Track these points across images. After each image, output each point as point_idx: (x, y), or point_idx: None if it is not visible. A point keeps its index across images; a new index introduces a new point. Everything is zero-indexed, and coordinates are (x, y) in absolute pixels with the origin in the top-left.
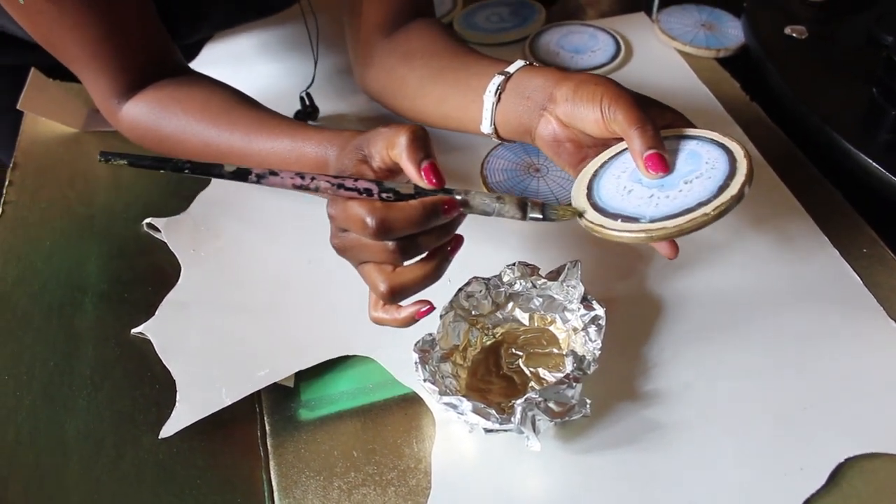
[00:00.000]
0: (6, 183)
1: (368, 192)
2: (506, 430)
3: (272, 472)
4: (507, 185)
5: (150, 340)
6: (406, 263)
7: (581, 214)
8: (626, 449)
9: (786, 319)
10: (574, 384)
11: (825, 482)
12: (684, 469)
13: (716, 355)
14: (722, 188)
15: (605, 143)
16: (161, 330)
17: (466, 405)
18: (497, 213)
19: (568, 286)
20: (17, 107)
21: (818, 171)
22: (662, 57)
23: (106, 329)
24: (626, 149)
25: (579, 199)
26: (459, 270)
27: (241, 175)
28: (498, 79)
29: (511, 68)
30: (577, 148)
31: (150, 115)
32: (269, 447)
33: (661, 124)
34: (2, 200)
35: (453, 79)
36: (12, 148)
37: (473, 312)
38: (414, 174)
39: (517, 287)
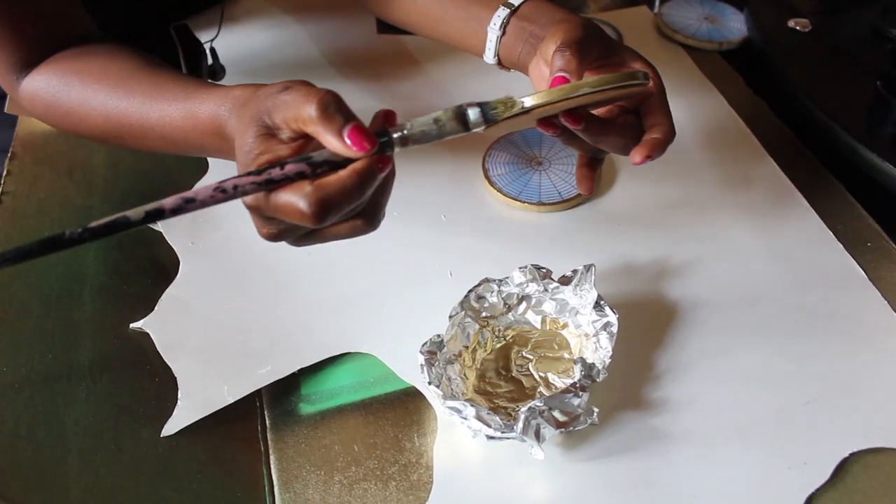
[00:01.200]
0: (4, 173)
1: (301, 174)
2: (508, 438)
3: (272, 467)
4: (509, 179)
5: (149, 334)
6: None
7: (515, 104)
8: (630, 453)
9: (790, 314)
10: (581, 393)
11: (829, 477)
12: (689, 462)
13: (721, 352)
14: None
15: None
16: (161, 325)
17: (470, 411)
18: (439, 135)
19: (581, 291)
20: (5, 110)
21: (822, 165)
22: (665, 51)
23: (105, 321)
24: None
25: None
26: (470, 271)
27: (153, 216)
28: (503, 12)
29: (516, 0)
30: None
31: (48, 90)
32: (269, 441)
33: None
34: (0, 192)
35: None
36: (10, 139)
37: (484, 314)
38: (339, 147)
39: (529, 290)
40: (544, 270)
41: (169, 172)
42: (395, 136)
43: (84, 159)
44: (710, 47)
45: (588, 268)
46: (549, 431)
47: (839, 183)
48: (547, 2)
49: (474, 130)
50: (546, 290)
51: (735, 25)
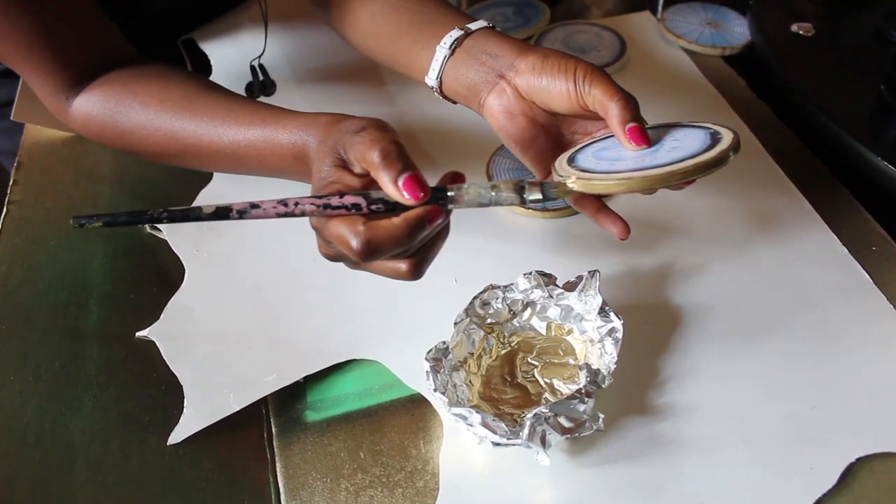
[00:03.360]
0: (10, 183)
1: (357, 206)
2: (514, 445)
3: (279, 474)
4: None
5: (154, 342)
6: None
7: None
8: (636, 459)
9: (795, 319)
10: (586, 399)
11: (836, 482)
12: (695, 468)
13: (727, 357)
14: (707, 150)
15: (560, 122)
16: (166, 334)
17: (475, 417)
18: (494, 203)
19: (586, 297)
20: (11, 118)
21: (826, 169)
22: (668, 56)
23: (111, 329)
24: (602, 138)
25: (565, 169)
26: (474, 278)
27: (222, 214)
28: (457, 33)
29: (473, 25)
30: (529, 123)
31: (104, 110)
32: (275, 449)
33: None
34: (6, 200)
35: (408, 21)
36: (16, 148)
37: (489, 320)
38: (393, 192)
39: (534, 296)
40: (549, 276)
41: (174, 182)
42: (450, 193)
43: (90, 168)
44: (713, 52)
45: (593, 273)
46: (554, 437)
47: (843, 187)
48: (502, 33)
49: (529, 206)
50: (551, 296)
51: (738, 30)
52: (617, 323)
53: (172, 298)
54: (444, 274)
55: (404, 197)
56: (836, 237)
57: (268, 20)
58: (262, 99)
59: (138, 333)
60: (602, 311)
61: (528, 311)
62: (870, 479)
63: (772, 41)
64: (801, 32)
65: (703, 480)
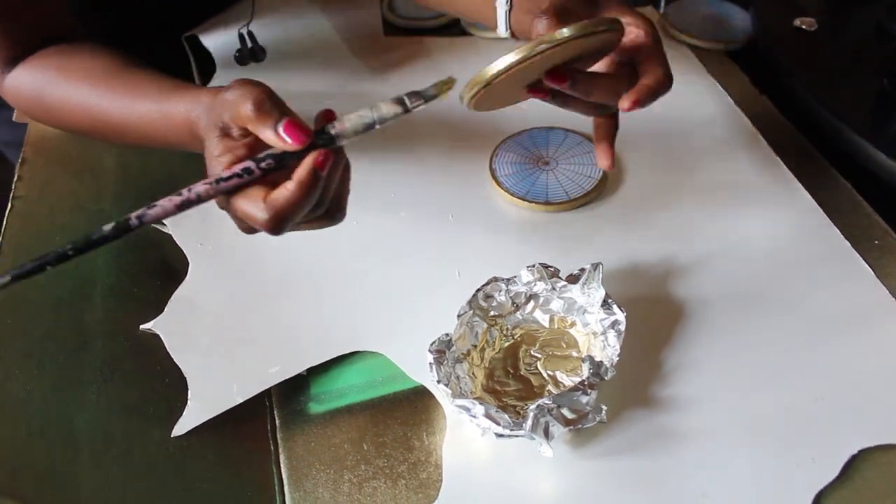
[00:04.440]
0: (15, 178)
1: (248, 171)
2: (517, 436)
3: (282, 466)
4: (516, 179)
5: (159, 335)
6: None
7: (453, 81)
8: (638, 450)
9: (798, 312)
10: (589, 391)
11: (838, 474)
12: (697, 459)
13: (729, 350)
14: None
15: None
16: (171, 327)
17: (479, 409)
18: (379, 121)
19: (589, 289)
20: (13, 119)
21: (828, 164)
22: (671, 50)
23: (115, 323)
24: None
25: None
26: (477, 270)
27: (122, 228)
28: None
29: None
30: None
31: (33, 85)
32: (279, 440)
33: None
34: (11, 195)
35: None
36: (20, 139)
37: (492, 313)
38: (275, 141)
39: (537, 289)
40: (552, 269)
41: (178, 175)
42: (332, 130)
43: (94, 163)
44: (715, 47)
45: (595, 266)
46: (557, 429)
47: (846, 181)
48: None
49: (413, 108)
50: (554, 288)
51: (741, 25)
52: (620, 315)
53: (176, 291)
54: (448, 267)
55: (287, 143)
56: (838, 231)
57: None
58: (252, 66)
59: (142, 326)
60: (605, 304)
61: (532, 303)
62: (872, 470)
63: (774, 36)
64: (803, 27)
65: (705, 472)
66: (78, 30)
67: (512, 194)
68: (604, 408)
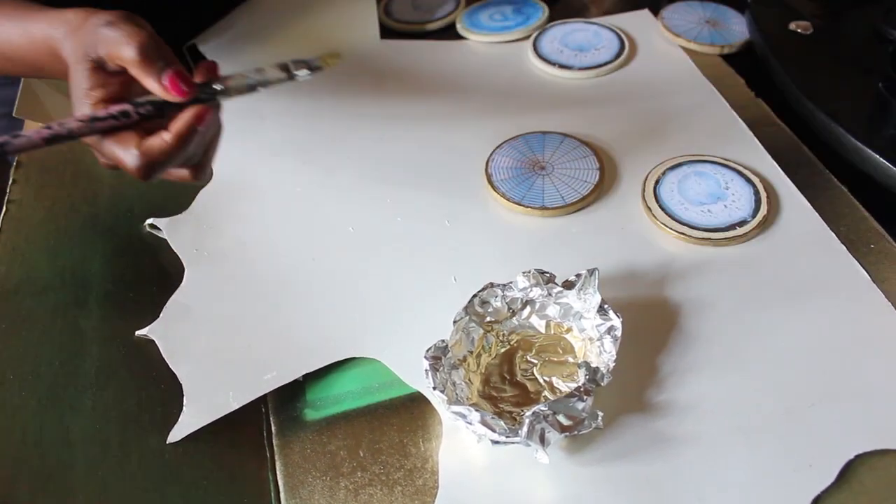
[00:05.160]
0: (10, 182)
1: (125, 114)
2: (513, 443)
3: (278, 473)
4: (512, 183)
5: (154, 341)
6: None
7: (339, 55)
8: (634, 456)
9: (793, 316)
10: (585, 397)
11: (835, 479)
12: (694, 464)
13: (725, 354)
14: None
15: None
16: (166, 332)
17: (474, 415)
18: (261, 84)
19: (585, 295)
20: (14, 114)
21: (824, 167)
22: (666, 54)
23: (111, 329)
24: None
25: None
26: (473, 276)
27: None
28: None
29: None
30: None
31: None
32: (274, 447)
33: None
34: (6, 199)
35: None
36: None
37: (488, 318)
38: (158, 90)
39: (533, 294)
40: (548, 275)
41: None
42: (217, 86)
43: (89, 167)
44: (711, 51)
45: (592, 272)
46: (553, 436)
47: (841, 185)
48: None
49: (297, 77)
50: (550, 294)
51: (736, 28)
52: (616, 321)
53: (172, 297)
54: (444, 272)
55: (171, 94)
56: (833, 235)
57: None
58: None
59: (138, 332)
60: (601, 310)
61: (528, 309)
62: (869, 475)
63: (770, 39)
64: (799, 30)
65: (701, 477)
66: None
67: (508, 199)
68: (600, 414)
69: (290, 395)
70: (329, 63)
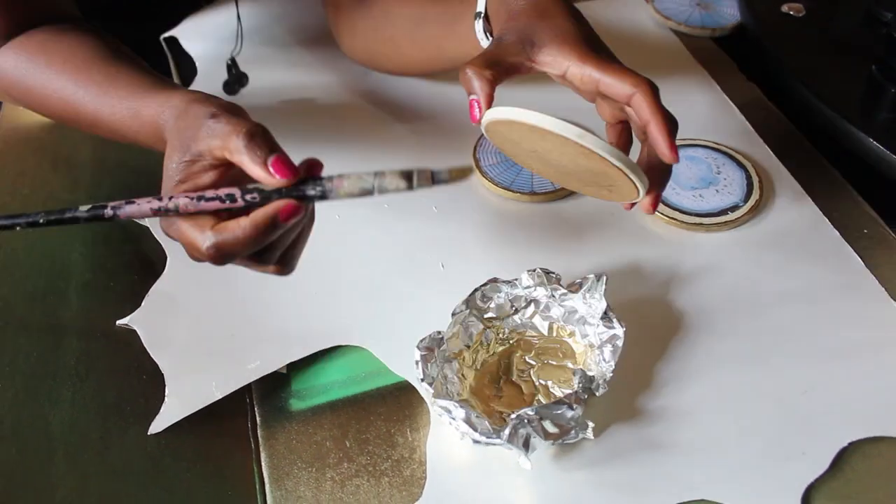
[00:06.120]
0: None
1: (231, 197)
2: (494, 445)
3: (263, 464)
4: (500, 169)
5: (135, 331)
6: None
7: (471, 170)
8: (625, 457)
9: (786, 302)
10: (575, 406)
11: (828, 467)
12: (686, 453)
13: (716, 340)
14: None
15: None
16: (148, 322)
17: (459, 412)
18: (379, 191)
19: (591, 299)
20: None
21: (817, 151)
22: (657, 37)
23: (90, 319)
24: None
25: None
26: (461, 263)
27: (96, 216)
28: (481, 3)
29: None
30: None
31: (16, 66)
32: (259, 438)
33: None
34: None
35: (435, 13)
36: None
37: (489, 314)
38: (263, 176)
39: (537, 294)
40: (554, 275)
41: (155, 168)
42: (329, 185)
43: (69, 154)
44: (702, 34)
45: (599, 277)
46: (539, 442)
47: (834, 169)
48: None
49: (417, 188)
50: (553, 295)
51: (728, 11)
52: (619, 330)
53: (154, 286)
54: (431, 259)
55: (275, 178)
56: (827, 220)
57: (240, 16)
58: (238, 92)
59: (119, 322)
60: (605, 316)
61: (531, 308)
62: (862, 463)
63: (762, 22)
64: (791, 13)
65: (694, 465)
66: (73, 12)
67: (496, 184)
68: (590, 424)
69: (276, 385)
70: (457, 178)
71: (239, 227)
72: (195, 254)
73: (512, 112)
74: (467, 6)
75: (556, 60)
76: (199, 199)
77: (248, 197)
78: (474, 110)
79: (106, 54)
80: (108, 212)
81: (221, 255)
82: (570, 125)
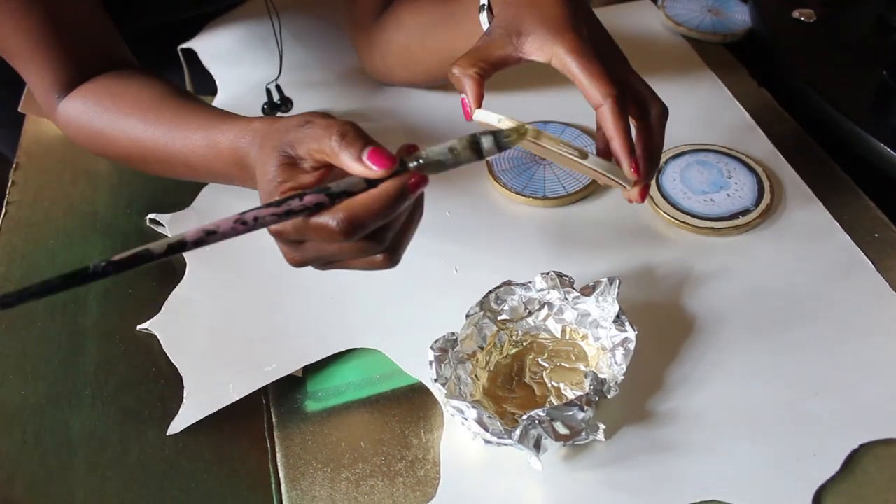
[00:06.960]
0: (9, 183)
1: (320, 205)
2: (505, 445)
3: (279, 464)
4: (513, 174)
5: (154, 336)
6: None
7: (528, 131)
8: (637, 458)
9: (797, 306)
10: (586, 407)
11: (839, 469)
12: (697, 455)
13: (728, 343)
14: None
15: None
16: (167, 326)
17: (471, 413)
18: (455, 163)
19: (604, 303)
20: (19, 109)
21: (828, 156)
22: (669, 43)
23: (110, 325)
24: None
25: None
26: (474, 267)
27: (175, 249)
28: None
29: None
30: None
31: (84, 111)
32: (275, 439)
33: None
34: (5, 201)
35: (443, 16)
36: (15, 149)
37: (503, 316)
38: (359, 169)
39: (550, 297)
40: (567, 278)
41: (172, 182)
42: (412, 164)
43: (88, 166)
44: (714, 39)
45: (612, 281)
46: (550, 443)
47: (845, 174)
48: None
49: (489, 158)
50: (566, 298)
51: (739, 17)
52: (631, 334)
53: (173, 291)
54: (445, 263)
55: (373, 170)
56: (837, 224)
57: (281, 39)
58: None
59: (139, 327)
60: (618, 320)
61: (545, 311)
62: (873, 465)
63: (773, 27)
64: (802, 18)
65: (705, 467)
66: (131, 58)
67: (509, 189)
68: (601, 426)
69: (291, 387)
70: (517, 141)
71: (369, 197)
72: (319, 236)
73: (494, 119)
74: (472, 2)
75: (542, 49)
76: (287, 213)
77: (337, 202)
78: (466, 109)
79: (172, 93)
80: (190, 245)
81: (353, 226)
82: (549, 136)
